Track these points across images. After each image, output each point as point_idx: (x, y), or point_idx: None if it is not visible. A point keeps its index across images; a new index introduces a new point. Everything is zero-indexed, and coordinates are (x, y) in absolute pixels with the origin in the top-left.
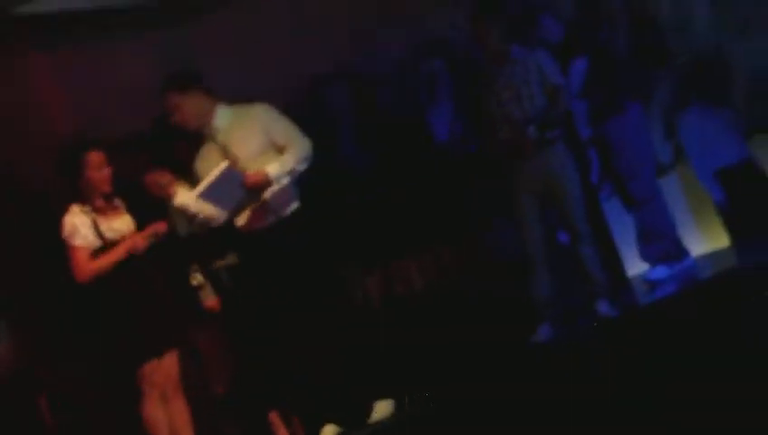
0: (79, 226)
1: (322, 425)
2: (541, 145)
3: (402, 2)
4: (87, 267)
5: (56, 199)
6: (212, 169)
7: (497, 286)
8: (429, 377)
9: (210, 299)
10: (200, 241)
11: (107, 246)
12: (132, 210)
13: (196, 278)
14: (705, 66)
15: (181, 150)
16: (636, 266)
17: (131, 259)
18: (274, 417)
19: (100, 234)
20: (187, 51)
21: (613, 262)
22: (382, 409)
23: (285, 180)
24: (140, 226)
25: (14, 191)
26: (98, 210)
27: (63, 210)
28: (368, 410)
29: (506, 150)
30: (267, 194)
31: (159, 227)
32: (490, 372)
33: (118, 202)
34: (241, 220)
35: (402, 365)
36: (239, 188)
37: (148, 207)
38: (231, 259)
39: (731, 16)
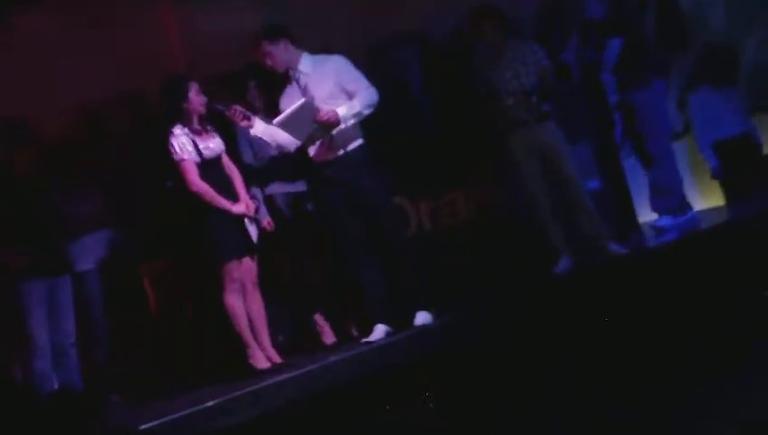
0: (185, 143)
1: (374, 325)
2: (538, 117)
3: None
4: (197, 179)
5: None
6: (293, 104)
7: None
8: (465, 295)
9: (265, 220)
10: (261, 170)
11: (205, 162)
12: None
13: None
14: (715, 53)
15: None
16: (646, 215)
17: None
18: (319, 318)
19: (198, 152)
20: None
21: (627, 210)
22: (422, 317)
23: (352, 121)
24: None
25: (142, 113)
26: (195, 132)
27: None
28: (411, 317)
29: (508, 120)
30: (335, 131)
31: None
32: (519, 294)
33: (210, 127)
34: (312, 151)
35: (443, 284)
36: (312, 123)
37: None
38: (288, 188)
39: (740, 13)
